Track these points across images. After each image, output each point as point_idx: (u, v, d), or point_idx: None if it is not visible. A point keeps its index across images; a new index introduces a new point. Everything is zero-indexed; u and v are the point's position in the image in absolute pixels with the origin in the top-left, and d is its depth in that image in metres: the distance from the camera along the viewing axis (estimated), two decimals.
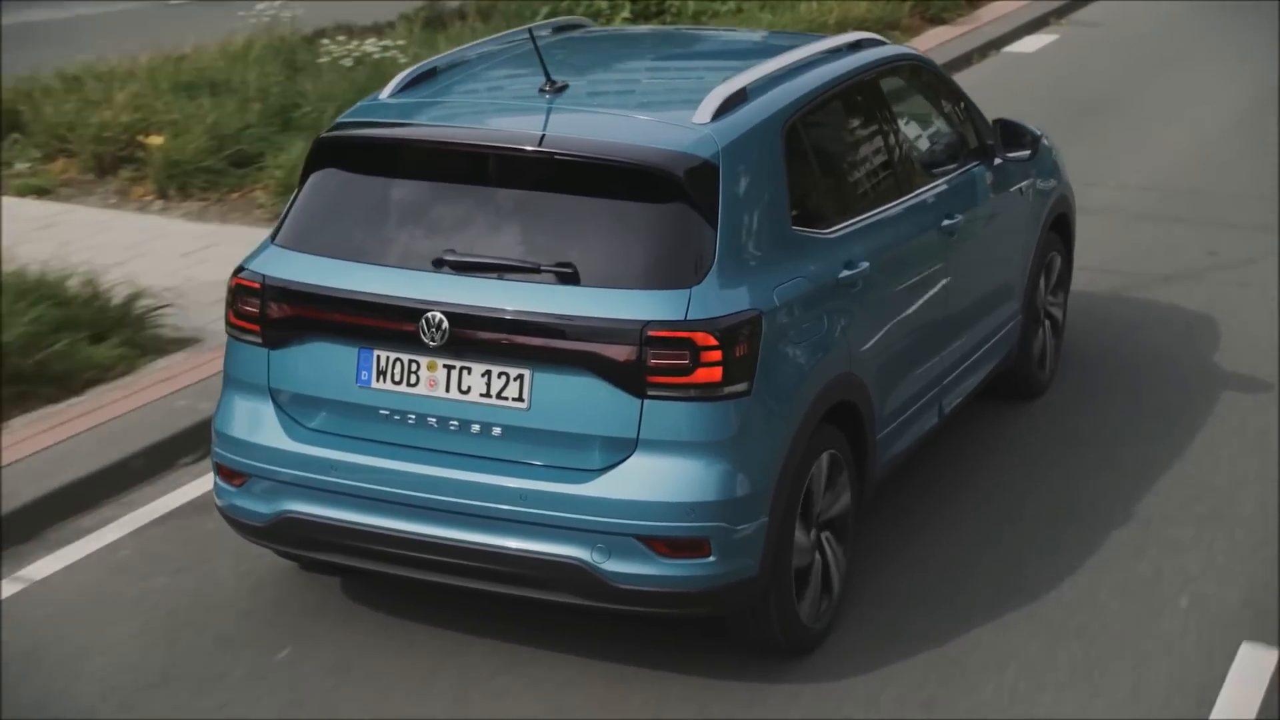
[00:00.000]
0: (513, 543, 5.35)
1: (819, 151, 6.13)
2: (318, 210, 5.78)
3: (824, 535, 5.84)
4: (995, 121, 7.51)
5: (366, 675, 5.72)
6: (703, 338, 5.22)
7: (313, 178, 5.83)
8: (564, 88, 5.89)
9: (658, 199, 5.40)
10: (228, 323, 5.83)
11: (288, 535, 5.71)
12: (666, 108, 5.89)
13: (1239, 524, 6.85)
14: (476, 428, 5.42)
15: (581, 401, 5.30)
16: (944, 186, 6.88)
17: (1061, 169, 8.31)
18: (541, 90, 5.87)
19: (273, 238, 5.83)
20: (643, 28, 7.90)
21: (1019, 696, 5.64)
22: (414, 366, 5.46)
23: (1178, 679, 5.74)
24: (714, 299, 5.30)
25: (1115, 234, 10.66)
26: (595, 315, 5.25)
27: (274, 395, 5.70)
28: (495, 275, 5.38)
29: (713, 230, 5.39)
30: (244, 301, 5.72)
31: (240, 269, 5.79)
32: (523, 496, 5.32)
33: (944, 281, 6.70)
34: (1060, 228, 8.22)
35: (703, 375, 5.24)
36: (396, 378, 5.49)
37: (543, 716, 5.51)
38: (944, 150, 7.10)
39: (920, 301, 6.51)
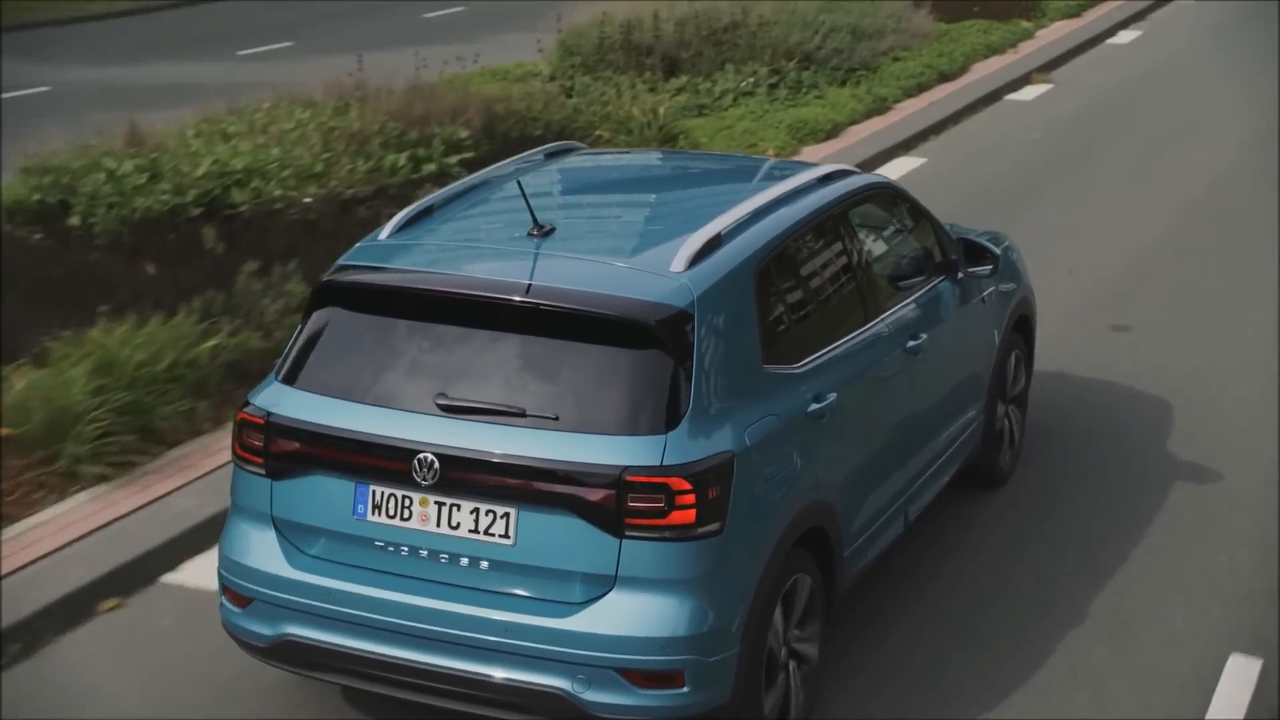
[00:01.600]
0: (498, 672, 5.52)
1: (789, 289, 6.31)
2: (319, 350, 5.94)
3: (791, 663, 5.99)
4: (959, 240, 7.65)
5: None
6: (677, 483, 5.38)
7: (314, 317, 6.00)
8: (550, 231, 6.04)
9: (636, 347, 5.57)
10: (234, 453, 5.98)
11: (288, 656, 5.87)
12: (645, 254, 6.06)
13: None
14: (465, 561, 5.58)
15: (564, 539, 5.48)
16: (909, 308, 7.06)
17: (1023, 272, 8.47)
18: (529, 234, 6.01)
19: (277, 374, 5.97)
20: (627, 155, 7.96)
21: None
22: (407, 502, 5.62)
23: None
24: (688, 444, 5.46)
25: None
26: (576, 460, 5.42)
27: (276, 523, 5.87)
28: (483, 419, 5.53)
29: (688, 377, 5.55)
30: (249, 435, 5.88)
31: (246, 403, 5.93)
32: (507, 629, 5.48)
33: (909, 399, 6.88)
34: (1021, 327, 8.40)
35: (677, 517, 5.40)
36: (390, 512, 5.64)
37: None
38: (910, 271, 7.26)
39: (885, 422, 6.70)
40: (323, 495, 5.78)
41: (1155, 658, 6.72)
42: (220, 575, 6.03)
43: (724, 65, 17.83)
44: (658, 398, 5.53)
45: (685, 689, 5.47)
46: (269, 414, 5.85)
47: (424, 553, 5.64)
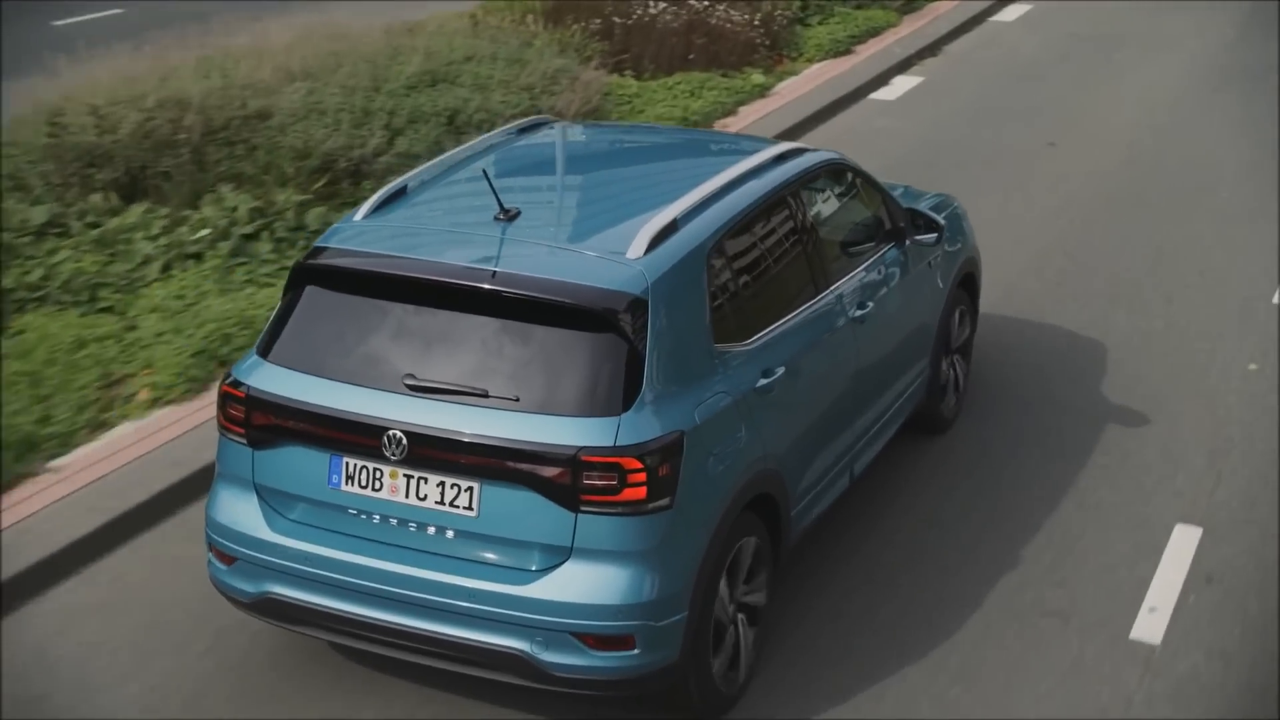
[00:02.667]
0: (463, 633, 5.85)
1: (740, 270, 6.58)
2: (296, 327, 6.20)
3: (739, 616, 6.31)
4: (907, 210, 7.89)
5: None
6: (629, 462, 5.67)
7: (292, 296, 6.24)
8: (515, 215, 6.27)
9: (593, 332, 5.84)
10: (218, 421, 6.23)
11: (270, 611, 6.19)
12: (604, 239, 6.31)
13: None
14: (432, 530, 5.88)
15: (523, 512, 5.78)
16: (857, 278, 7.32)
17: (968, 232, 8.75)
18: (495, 218, 6.24)
19: (258, 348, 6.22)
20: (595, 129, 8.09)
21: None
22: (378, 474, 5.90)
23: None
24: (641, 424, 5.74)
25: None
26: (534, 440, 5.70)
27: (258, 489, 6.16)
28: (449, 399, 5.79)
29: (641, 361, 5.82)
30: (231, 407, 6.16)
31: (228, 376, 6.19)
32: (470, 594, 5.80)
33: (855, 364, 7.17)
34: (967, 284, 8.68)
35: (629, 494, 5.70)
36: (363, 483, 5.92)
37: None
38: (860, 241, 7.49)
39: (832, 388, 7.01)
40: (300, 465, 6.06)
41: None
42: (207, 535, 6.31)
43: (216, 186, 10.84)
44: (612, 380, 5.80)
45: (636, 651, 5.80)
46: (249, 388, 6.11)
47: (394, 521, 5.94)
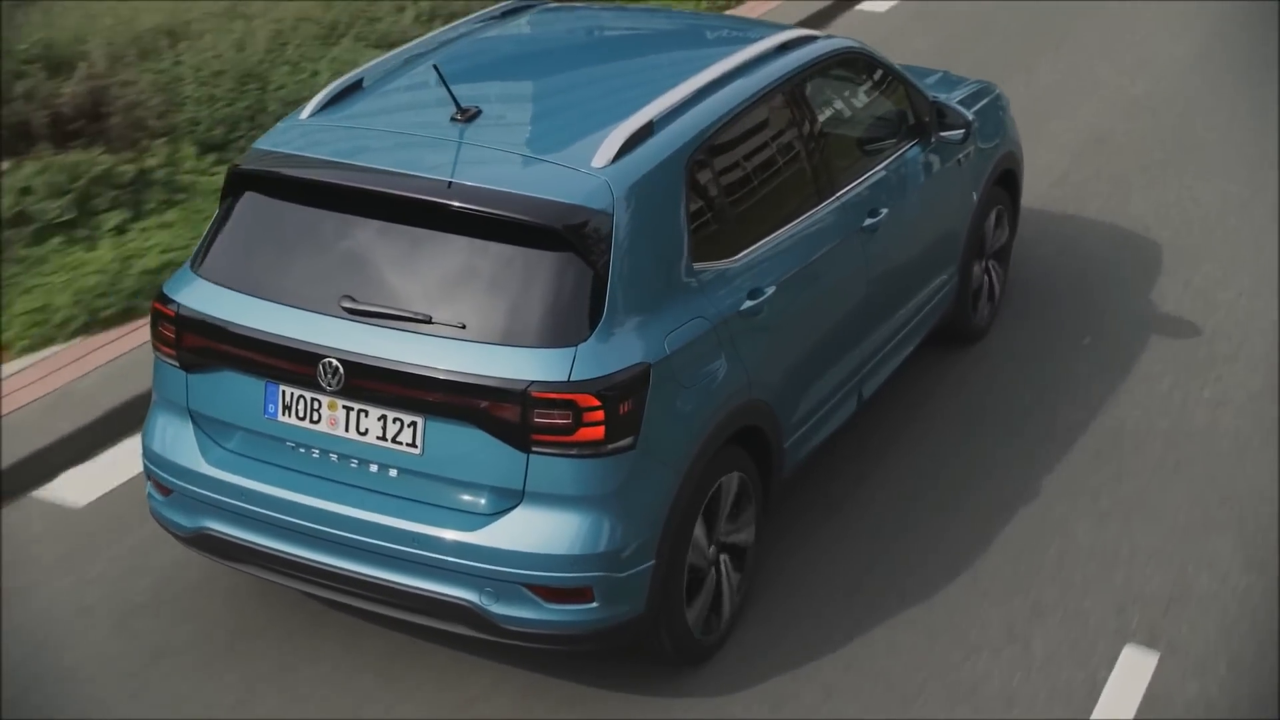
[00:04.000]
0: (408, 580, 5.25)
1: (727, 178, 5.82)
2: (231, 240, 5.55)
3: (722, 557, 5.64)
4: (934, 102, 7.04)
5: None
6: (585, 399, 4.99)
7: (228, 206, 5.59)
8: (474, 115, 5.55)
9: (549, 252, 5.14)
10: (152, 342, 5.62)
11: (207, 547, 5.63)
12: (569, 145, 5.54)
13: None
14: (374, 467, 5.27)
15: (470, 452, 5.14)
16: (868, 184, 6.52)
17: (1009, 124, 7.87)
18: (452, 118, 5.52)
19: (191, 262, 5.58)
20: (584, 10, 7.21)
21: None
22: (316, 404, 5.28)
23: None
24: (600, 356, 5.05)
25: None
26: (481, 373, 5.02)
27: (193, 416, 5.56)
28: (388, 325, 5.13)
29: (603, 283, 5.12)
30: (163, 326, 5.54)
31: (160, 293, 5.56)
32: (415, 539, 5.19)
33: (864, 279, 6.40)
34: (1006, 182, 7.83)
35: (585, 434, 5.03)
36: (300, 413, 5.30)
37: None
38: (874, 139, 6.71)
39: (835, 308, 6.26)
40: (235, 392, 5.44)
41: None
42: (144, 464, 5.73)
43: None
44: (569, 307, 5.10)
45: (595, 604, 5.17)
46: (179, 306, 5.49)
47: (334, 456, 5.32)
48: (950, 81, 7.88)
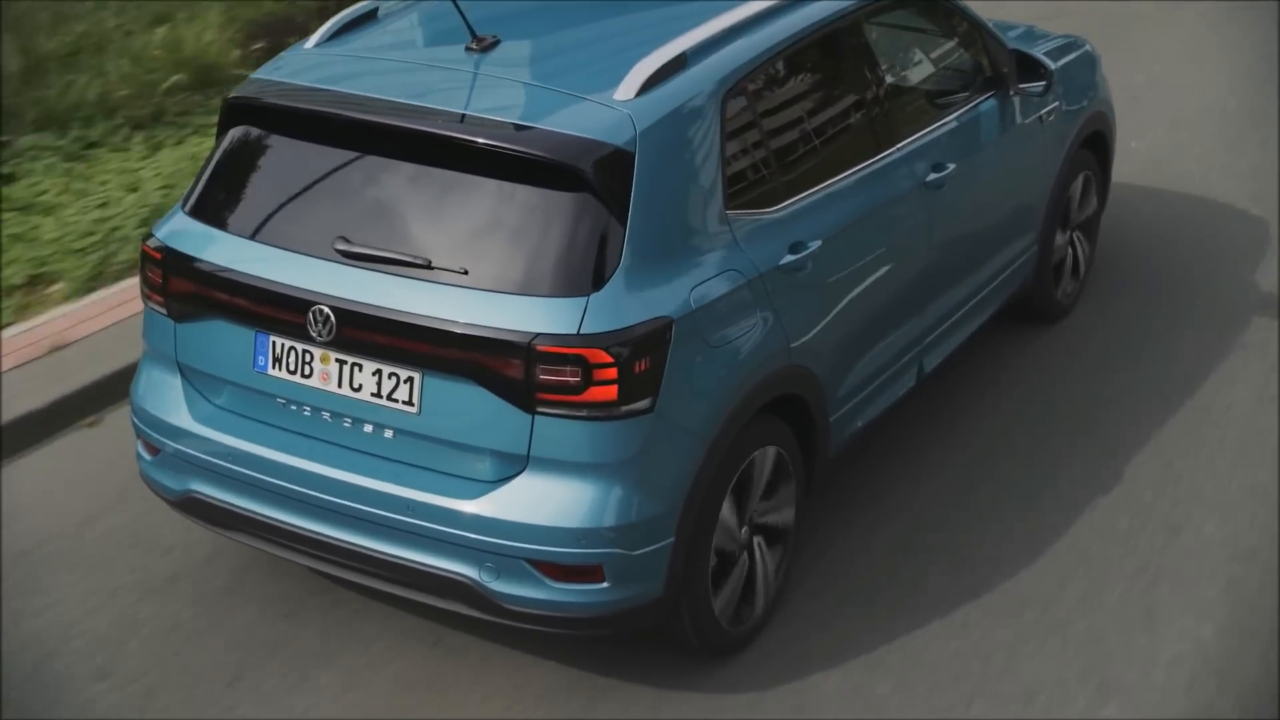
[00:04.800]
0: (403, 552, 4.73)
1: (770, 118, 5.23)
2: (225, 178, 5.08)
3: (756, 539, 5.07)
4: (1014, 51, 6.39)
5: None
6: (595, 354, 4.44)
7: (223, 141, 5.10)
8: (492, 44, 5.03)
9: (563, 192, 4.59)
10: (141, 289, 5.16)
11: (195, 512, 5.16)
12: (593, 76, 4.98)
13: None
14: (369, 427, 4.76)
15: (471, 411, 4.60)
16: (935, 134, 5.91)
17: (1099, 83, 7.19)
18: (467, 48, 5.00)
19: (183, 203, 5.10)
20: None
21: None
22: (307, 357, 4.78)
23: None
24: (615, 308, 4.50)
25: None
26: (482, 323, 4.49)
27: (182, 369, 5.09)
28: (386, 269, 4.61)
29: (621, 227, 4.56)
30: (151, 270, 5.08)
31: (149, 235, 5.09)
32: (409, 506, 4.66)
33: (926, 240, 5.79)
34: (1095, 144, 7.14)
35: (596, 394, 4.48)
36: (291, 367, 4.81)
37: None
38: (943, 91, 6.10)
39: (892, 270, 5.63)
40: (224, 342, 4.95)
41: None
42: (132, 420, 5.27)
43: None
44: (583, 252, 4.55)
45: (606, 584, 4.61)
46: (167, 249, 5.01)
47: (326, 415, 4.81)
48: (1034, 35, 7.21)
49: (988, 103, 6.26)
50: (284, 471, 4.85)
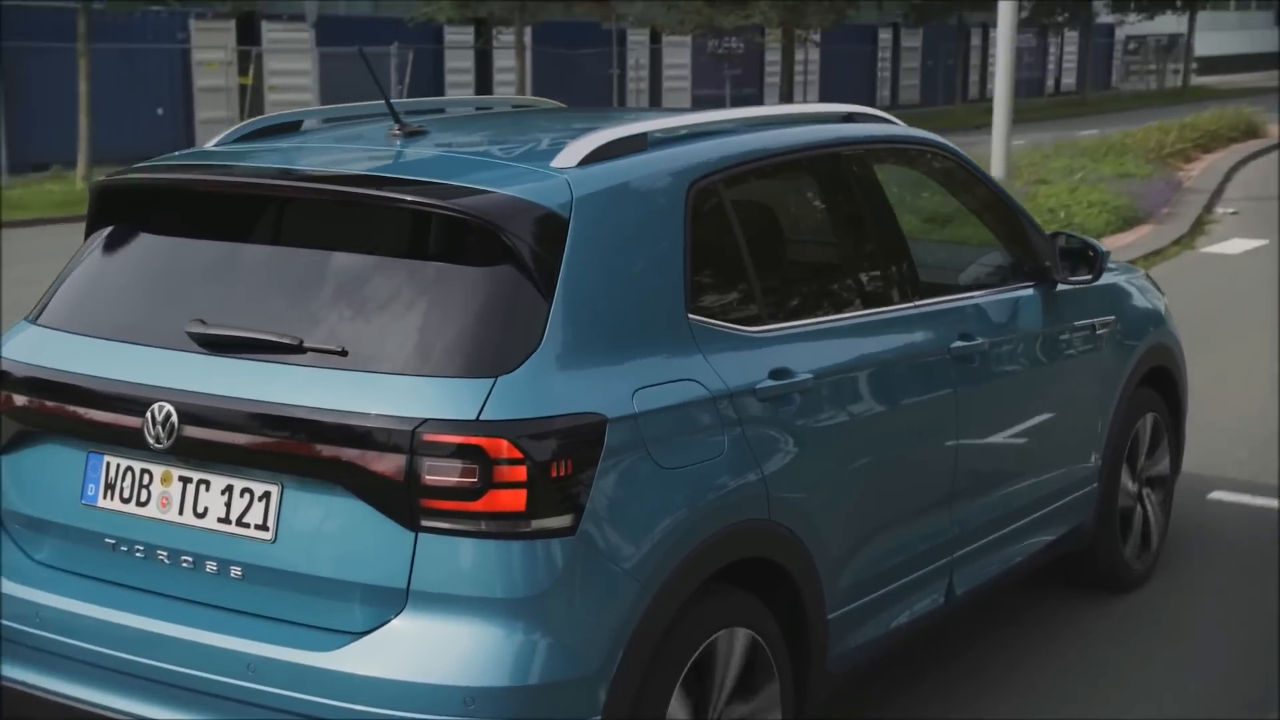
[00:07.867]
0: None
1: (755, 230, 4.24)
2: (82, 275, 4.13)
3: None
4: (1052, 236, 5.44)
5: None
6: (498, 447, 3.33)
7: (88, 238, 4.16)
8: (417, 133, 4.13)
9: (474, 257, 3.58)
10: None
11: (8, 708, 3.91)
12: (531, 151, 4.07)
13: None
14: (213, 566, 3.61)
15: (339, 535, 3.47)
16: (964, 303, 4.88)
17: (1162, 312, 6.15)
18: (390, 134, 4.12)
19: (30, 314, 4.14)
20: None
21: None
22: (145, 478, 3.70)
23: None
24: (530, 394, 3.41)
25: None
26: (356, 409, 3.40)
27: (4, 518, 3.96)
28: (243, 355, 3.58)
29: (545, 302, 3.53)
30: None
31: None
32: (250, 666, 3.44)
33: (953, 417, 4.66)
34: (1159, 383, 6.05)
35: (499, 501, 3.34)
36: (126, 494, 3.73)
37: None
38: (975, 263, 5.16)
39: (908, 438, 4.49)
40: (52, 473, 3.88)
41: None
42: None
43: None
44: (491, 326, 3.49)
45: None
46: (2, 360, 4.01)
47: (162, 555, 3.67)
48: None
49: (1029, 290, 5.25)
50: (108, 636, 3.66)
